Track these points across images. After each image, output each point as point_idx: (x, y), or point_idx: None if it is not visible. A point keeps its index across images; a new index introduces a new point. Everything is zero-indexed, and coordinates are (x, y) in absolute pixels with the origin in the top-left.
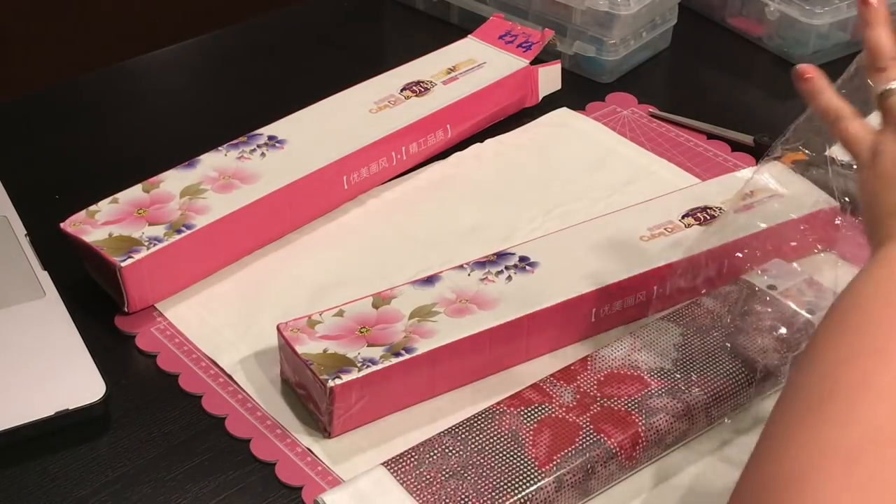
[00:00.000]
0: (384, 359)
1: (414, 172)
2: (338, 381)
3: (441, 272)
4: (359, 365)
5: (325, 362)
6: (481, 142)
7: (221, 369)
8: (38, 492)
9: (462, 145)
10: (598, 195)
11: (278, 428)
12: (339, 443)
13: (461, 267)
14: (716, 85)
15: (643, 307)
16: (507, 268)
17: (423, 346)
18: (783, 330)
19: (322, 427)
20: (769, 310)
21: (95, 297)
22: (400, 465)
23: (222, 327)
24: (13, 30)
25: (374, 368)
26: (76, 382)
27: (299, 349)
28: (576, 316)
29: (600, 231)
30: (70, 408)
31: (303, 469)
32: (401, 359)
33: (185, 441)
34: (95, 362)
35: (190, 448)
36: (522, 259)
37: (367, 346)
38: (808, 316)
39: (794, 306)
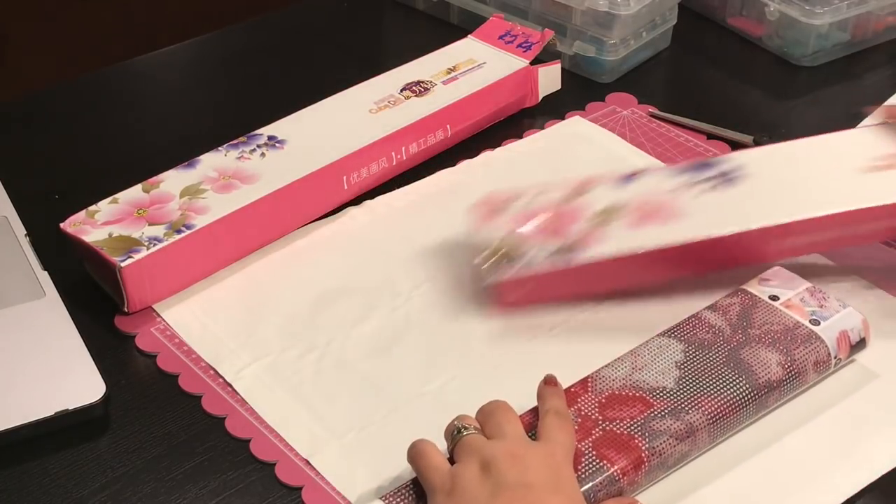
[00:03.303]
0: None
1: (422, 180)
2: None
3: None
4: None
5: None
6: (491, 150)
7: (222, 377)
8: (38, 492)
9: (471, 153)
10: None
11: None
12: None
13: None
14: (716, 85)
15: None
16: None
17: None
18: (787, 343)
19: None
20: (772, 322)
21: (95, 297)
22: (398, 499)
23: (223, 335)
24: (13, 30)
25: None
26: (76, 382)
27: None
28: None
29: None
30: (70, 408)
31: (303, 469)
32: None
33: (185, 441)
34: (95, 362)
35: (190, 448)
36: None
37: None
38: (812, 328)
39: (797, 317)
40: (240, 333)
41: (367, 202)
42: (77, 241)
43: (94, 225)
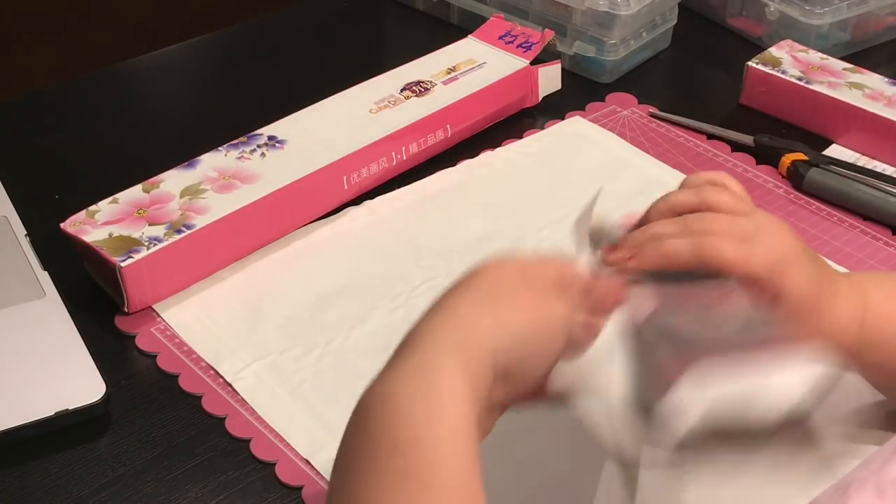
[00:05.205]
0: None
1: (422, 180)
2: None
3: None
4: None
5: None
6: (492, 149)
7: (222, 377)
8: (38, 492)
9: (471, 153)
10: (608, 205)
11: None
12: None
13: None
14: (716, 85)
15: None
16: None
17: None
18: None
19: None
20: None
21: (95, 297)
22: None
23: (223, 335)
24: (13, 30)
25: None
26: (76, 382)
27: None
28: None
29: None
30: (70, 408)
31: (303, 469)
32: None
33: (185, 441)
34: (95, 362)
35: (190, 448)
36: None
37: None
38: None
39: None
40: (240, 333)
41: (367, 202)
42: (77, 241)
43: (94, 225)
